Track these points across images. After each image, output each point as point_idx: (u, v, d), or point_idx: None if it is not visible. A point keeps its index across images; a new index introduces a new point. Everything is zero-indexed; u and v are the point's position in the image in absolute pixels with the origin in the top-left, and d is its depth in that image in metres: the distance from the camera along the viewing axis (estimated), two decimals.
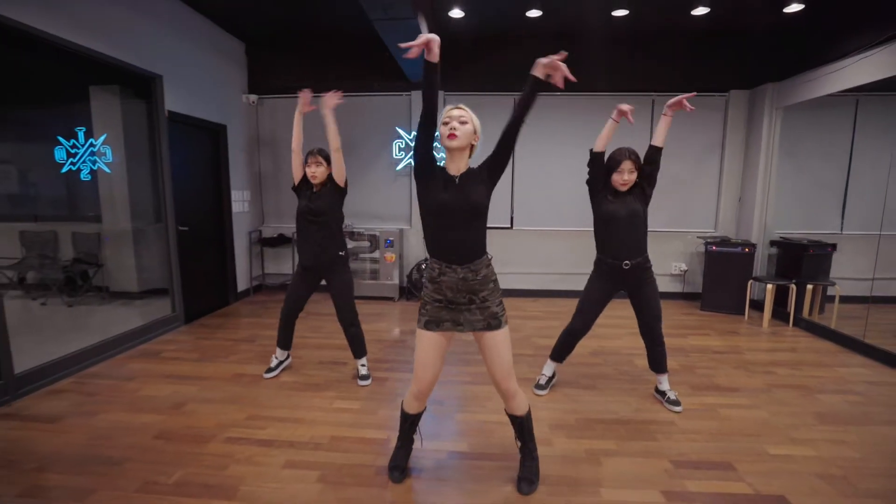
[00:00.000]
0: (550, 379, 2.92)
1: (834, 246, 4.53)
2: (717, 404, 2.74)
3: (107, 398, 2.74)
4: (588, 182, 2.63)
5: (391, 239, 5.19)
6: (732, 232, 5.19)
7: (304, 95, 2.83)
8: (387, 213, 5.53)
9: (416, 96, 5.19)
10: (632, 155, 2.47)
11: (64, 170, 5.24)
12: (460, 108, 1.76)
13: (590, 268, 2.75)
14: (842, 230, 4.97)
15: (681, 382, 3.03)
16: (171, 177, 3.99)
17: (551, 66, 1.68)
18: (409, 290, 5.34)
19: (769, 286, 4.38)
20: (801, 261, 4.46)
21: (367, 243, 5.25)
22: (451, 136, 1.70)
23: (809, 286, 4.30)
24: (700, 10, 3.58)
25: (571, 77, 1.68)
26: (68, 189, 5.55)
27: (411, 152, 5.23)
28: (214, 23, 4.65)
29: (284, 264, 5.65)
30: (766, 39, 4.65)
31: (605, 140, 2.54)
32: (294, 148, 2.92)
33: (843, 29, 3.79)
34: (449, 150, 1.74)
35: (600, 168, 2.56)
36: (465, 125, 1.72)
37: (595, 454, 2.22)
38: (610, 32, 4.73)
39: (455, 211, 1.70)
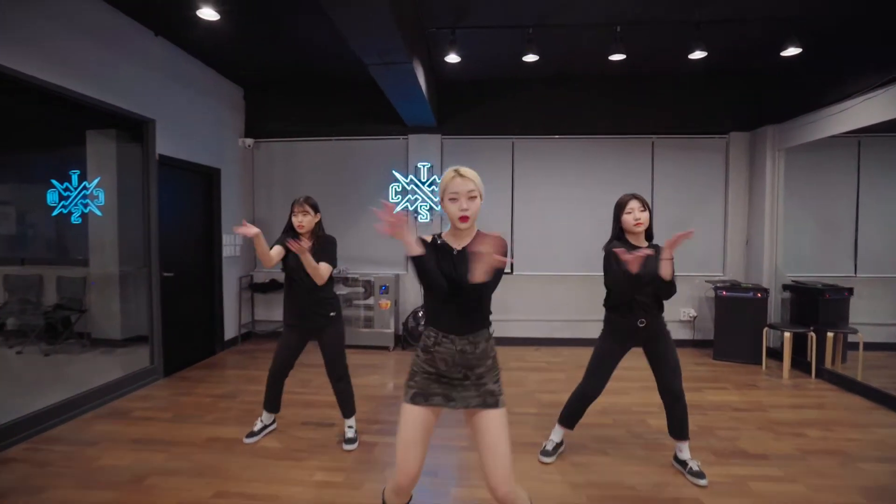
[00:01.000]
0: (558, 446, 2.63)
1: (850, 290, 4.30)
2: (747, 476, 2.43)
3: (59, 469, 2.45)
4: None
5: (386, 285, 4.99)
6: (741, 276, 4.99)
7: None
8: (382, 258, 5.35)
9: (413, 139, 5.16)
10: (637, 196, 2.32)
11: (55, 213, 5.13)
12: (466, 178, 1.56)
13: (593, 314, 2.54)
14: (856, 273, 4.77)
15: (702, 448, 2.73)
16: (157, 220, 3.86)
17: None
18: (405, 339, 5.07)
19: (787, 334, 4.12)
20: (818, 306, 4.22)
21: (361, 289, 5.04)
22: (464, 218, 1.56)
23: (830, 334, 4.04)
24: (697, 55, 3.55)
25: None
26: (58, 232, 5.43)
27: (409, 198, 5.13)
28: (213, 69, 4.69)
29: (276, 311, 5.42)
30: (765, 82, 4.65)
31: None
32: (262, 258, 2.55)
33: (844, 71, 3.76)
34: (458, 230, 1.61)
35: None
36: (475, 200, 1.57)
37: None
38: (607, 76, 4.75)
39: (456, 286, 1.55)
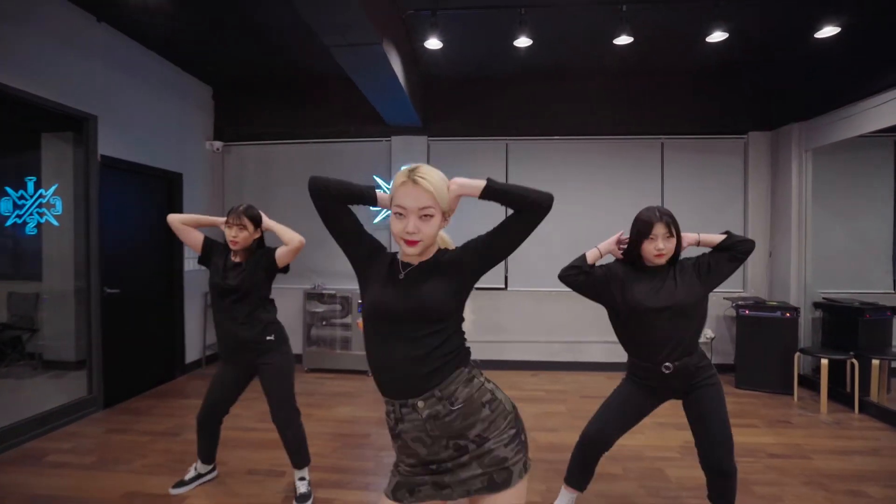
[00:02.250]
0: None
1: (893, 309, 3.75)
2: None
3: None
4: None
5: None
6: (765, 292, 4.45)
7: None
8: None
9: (396, 141, 4.70)
10: (664, 216, 1.76)
11: (8, 223, 4.69)
12: (420, 188, 1.09)
13: (597, 335, 2.03)
14: (895, 289, 4.22)
15: None
16: (98, 230, 3.39)
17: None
18: None
19: (823, 361, 3.56)
20: (857, 328, 3.66)
21: (338, 307, 4.53)
22: (411, 242, 1.11)
23: (876, 361, 3.47)
24: (717, 36, 3.06)
25: None
26: (12, 244, 4.99)
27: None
28: (174, 64, 4.26)
29: None
30: (789, 74, 4.16)
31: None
32: (170, 218, 2.22)
33: (882, 60, 3.27)
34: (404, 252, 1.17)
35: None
36: (430, 220, 1.11)
37: None
38: (610, 68, 4.28)
39: (397, 317, 1.11)
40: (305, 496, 2.23)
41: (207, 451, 2.35)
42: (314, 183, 1.17)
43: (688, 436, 2.98)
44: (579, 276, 1.88)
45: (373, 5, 2.54)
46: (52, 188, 4.50)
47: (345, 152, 4.83)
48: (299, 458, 2.27)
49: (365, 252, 1.24)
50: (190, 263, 4.46)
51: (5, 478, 2.45)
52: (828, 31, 3.01)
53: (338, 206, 1.19)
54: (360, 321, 4.43)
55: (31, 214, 4.67)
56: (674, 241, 1.77)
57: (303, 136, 4.83)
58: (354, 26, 2.48)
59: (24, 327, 4.56)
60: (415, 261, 1.18)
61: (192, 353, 4.49)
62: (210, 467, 2.43)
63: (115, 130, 3.54)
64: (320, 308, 4.53)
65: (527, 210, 1.09)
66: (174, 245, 4.31)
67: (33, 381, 4.18)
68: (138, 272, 3.90)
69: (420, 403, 1.07)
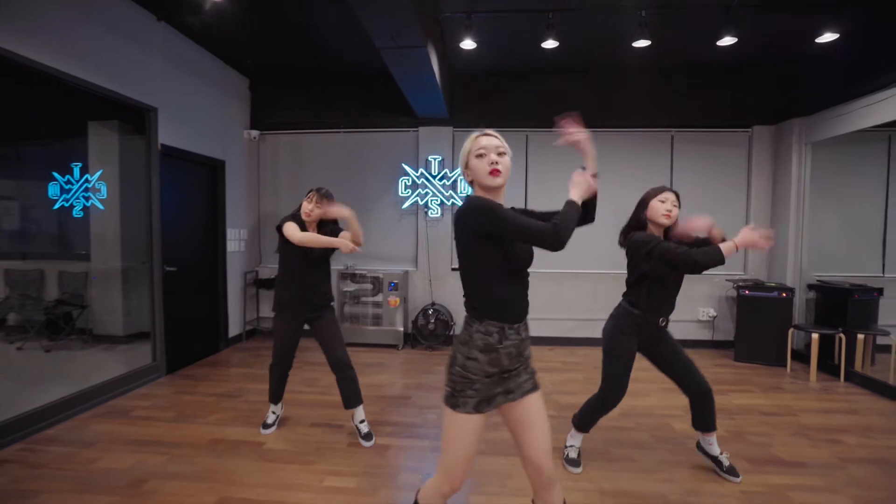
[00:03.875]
0: (580, 451, 2.48)
1: (880, 290, 4.12)
2: (785, 485, 2.27)
3: (55, 472, 2.31)
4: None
5: (395, 282, 4.84)
6: (764, 274, 4.81)
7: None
8: (391, 254, 5.21)
9: (424, 132, 5.00)
10: (668, 188, 2.22)
11: (56, 206, 5.02)
12: (493, 136, 1.49)
13: (608, 313, 2.38)
14: (883, 273, 4.59)
15: (734, 455, 2.55)
16: (159, 213, 3.72)
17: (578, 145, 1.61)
18: (414, 337, 4.92)
19: (814, 335, 3.94)
20: (846, 307, 4.04)
21: (369, 286, 4.90)
22: (495, 172, 1.44)
23: (861, 336, 3.86)
24: (726, 41, 3.37)
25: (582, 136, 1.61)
26: (60, 226, 5.32)
27: (418, 193, 4.98)
28: (218, 58, 4.55)
29: None
30: (792, 72, 4.46)
31: None
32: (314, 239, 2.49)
33: (879, 59, 3.58)
34: (490, 188, 1.48)
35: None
36: (505, 156, 1.48)
37: None
38: (626, 66, 4.57)
39: (526, 260, 1.52)
40: (370, 435, 2.66)
41: (278, 393, 2.81)
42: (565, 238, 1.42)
43: None
44: None
45: (422, 11, 2.84)
46: (98, 174, 4.83)
47: (373, 142, 5.13)
48: (355, 398, 2.66)
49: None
50: (232, 245, 4.81)
51: (104, 427, 2.84)
52: (827, 36, 3.31)
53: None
54: (392, 299, 4.80)
55: (77, 198, 5.00)
56: (677, 210, 2.16)
57: (334, 125, 5.14)
58: (406, 31, 2.78)
59: (74, 304, 4.92)
60: (499, 195, 1.50)
61: (234, 328, 4.86)
62: (280, 406, 2.89)
63: (169, 121, 3.83)
64: (352, 287, 4.90)
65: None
66: (218, 228, 4.65)
67: (89, 354, 4.55)
68: (187, 253, 4.24)
69: (521, 328, 1.49)
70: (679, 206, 2.19)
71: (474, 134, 1.51)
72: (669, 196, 2.17)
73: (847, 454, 2.60)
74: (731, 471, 2.30)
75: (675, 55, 4.31)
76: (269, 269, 5.27)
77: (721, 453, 2.36)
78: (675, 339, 2.32)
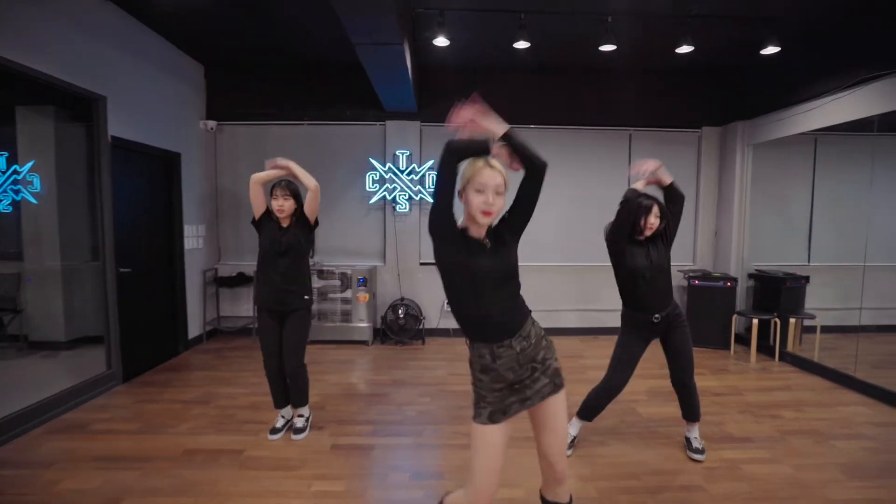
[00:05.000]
0: (574, 439, 2.63)
1: (807, 278, 4.61)
2: (738, 459, 2.53)
3: (12, 499, 2.14)
4: (612, 234, 2.41)
5: (364, 277, 4.80)
6: (710, 265, 5.22)
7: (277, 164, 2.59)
8: (359, 249, 5.15)
9: (391, 126, 4.95)
10: (658, 202, 2.38)
11: None
12: (496, 171, 1.43)
13: (574, 303, 2.57)
14: (809, 262, 5.11)
15: None
16: (112, 210, 3.46)
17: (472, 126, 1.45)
18: (384, 333, 4.92)
19: (754, 321, 4.36)
20: (780, 294, 4.49)
21: (337, 282, 4.82)
22: (487, 213, 1.42)
23: (793, 320, 4.31)
24: (684, 49, 3.59)
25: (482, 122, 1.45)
26: None
27: (383, 191, 4.93)
28: (171, 42, 4.24)
29: (243, 305, 5.08)
30: (738, 79, 4.82)
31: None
32: (259, 180, 2.60)
33: (814, 72, 3.95)
34: (477, 224, 1.45)
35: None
36: (501, 196, 1.43)
37: None
38: (590, 67, 4.75)
39: (495, 280, 1.44)
40: (302, 429, 2.73)
41: (279, 397, 2.76)
42: (454, 146, 1.41)
43: (652, 383, 3.68)
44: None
45: (399, 9, 2.80)
46: (28, 165, 4.40)
47: (339, 135, 5.01)
48: (303, 398, 2.77)
49: (453, 220, 1.46)
50: (189, 242, 4.56)
51: (61, 444, 2.65)
52: (770, 49, 3.60)
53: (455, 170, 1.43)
54: (361, 295, 4.76)
55: (4, 192, 4.53)
56: (659, 222, 2.35)
57: (297, 117, 4.96)
58: (383, 28, 2.74)
59: (5, 308, 4.49)
60: (479, 233, 1.47)
61: (194, 328, 4.63)
62: (290, 412, 2.83)
63: (118, 110, 3.54)
64: (320, 284, 4.80)
65: (532, 169, 1.47)
66: (174, 224, 4.38)
67: (27, 362, 4.19)
68: (142, 251, 3.97)
69: (513, 342, 1.46)
70: (662, 212, 2.37)
71: (479, 163, 1.44)
72: (654, 209, 2.34)
73: (785, 427, 2.93)
74: (697, 451, 2.54)
75: (635, 59, 4.52)
76: (230, 266, 5.05)
77: (695, 438, 2.59)
78: (687, 334, 2.47)
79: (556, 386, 1.50)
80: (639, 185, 2.46)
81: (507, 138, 1.43)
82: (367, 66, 3.39)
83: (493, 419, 1.44)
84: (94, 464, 2.43)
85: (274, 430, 2.74)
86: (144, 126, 3.86)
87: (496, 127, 1.43)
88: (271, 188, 2.60)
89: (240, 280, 4.93)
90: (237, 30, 4.00)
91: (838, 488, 2.26)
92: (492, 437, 1.44)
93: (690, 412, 2.55)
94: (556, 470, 1.53)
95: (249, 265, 4.98)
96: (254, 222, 2.66)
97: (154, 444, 2.65)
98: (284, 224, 2.61)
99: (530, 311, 1.55)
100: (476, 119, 1.43)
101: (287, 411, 2.82)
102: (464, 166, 1.45)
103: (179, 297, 4.44)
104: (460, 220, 1.50)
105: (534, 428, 1.56)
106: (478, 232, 1.47)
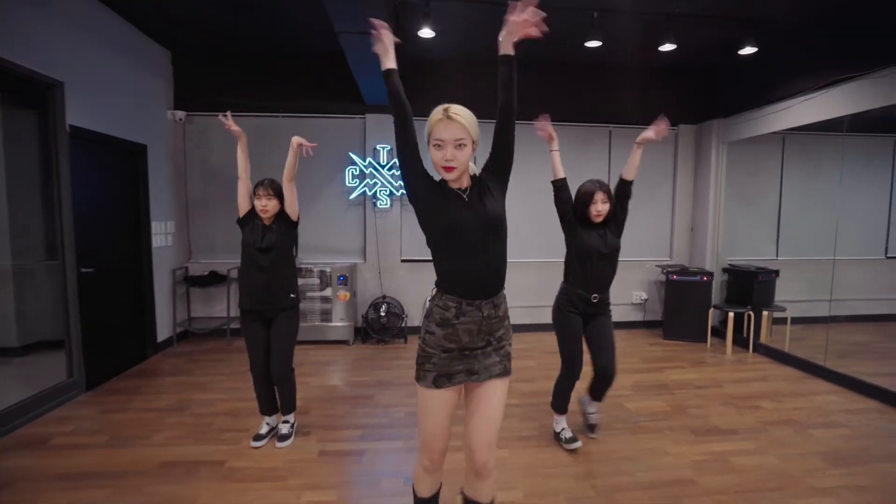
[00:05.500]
0: (563, 430, 2.65)
1: (777, 272, 4.79)
2: (726, 452, 2.58)
3: None
4: (561, 206, 2.54)
5: (344, 275, 4.66)
6: (686, 260, 5.35)
7: (226, 122, 2.53)
8: (339, 246, 5.00)
9: (372, 119, 4.81)
10: (603, 186, 2.46)
11: None
12: (454, 122, 1.36)
13: (552, 299, 2.60)
14: (777, 256, 5.32)
15: (681, 427, 2.87)
16: (70, 205, 3.20)
17: (520, 25, 1.35)
18: (365, 332, 4.80)
19: (730, 314, 4.49)
20: (752, 287, 4.64)
21: (316, 280, 4.66)
22: (448, 168, 1.38)
23: (766, 312, 4.47)
24: (667, 47, 3.63)
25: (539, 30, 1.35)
26: None
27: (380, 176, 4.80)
28: (134, 25, 3.95)
29: (216, 306, 4.85)
30: (714, 78, 4.93)
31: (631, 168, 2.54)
32: (240, 175, 2.52)
33: (787, 73, 4.07)
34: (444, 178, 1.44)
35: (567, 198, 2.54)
36: (464, 148, 1.37)
37: None
38: (572, 63, 4.75)
39: (474, 231, 1.39)
40: (287, 436, 2.62)
41: (271, 403, 2.64)
42: (393, 87, 1.44)
43: (637, 377, 3.73)
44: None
45: None
46: None
47: (318, 127, 4.83)
48: (291, 405, 2.66)
49: (426, 177, 1.45)
50: (158, 240, 4.30)
51: (16, 462, 2.42)
52: (748, 49, 3.69)
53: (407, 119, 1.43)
54: (341, 293, 4.62)
55: None
56: (608, 205, 2.43)
57: (272, 108, 4.74)
58: (370, 16, 2.61)
59: None
60: (459, 185, 1.44)
61: (163, 331, 4.38)
62: (275, 419, 2.71)
63: (77, 98, 3.27)
64: (299, 282, 4.61)
65: (507, 105, 1.44)
66: (141, 221, 4.11)
67: None
68: (105, 249, 3.71)
69: (483, 304, 1.41)
70: (611, 198, 2.46)
71: (437, 112, 1.39)
72: (599, 197, 2.41)
73: (766, 418, 3.02)
74: (591, 429, 2.70)
75: (615, 57, 4.55)
76: (201, 265, 4.80)
77: (592, 413, 2.73)
78: (610, 323, 2.54)
79: (505, 370, 1.49)
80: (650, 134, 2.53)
81: (507, 59, 1.40)
82: (349, 55, 3.26)
83: (437, 383, 1.43)
84: (58, 483, 2.24)
85: (258, 437, 2.61)
86: (106, 115, 3.59)
87: (510, 47, 1.38)
88: (254, 187, 2.49)
89: (212, 279, 4.69)
90: (206, 13, 3.76)
91: (821, 476, 2.34)
92: (436, 400, 1.44)
93: (599, 394, 2.64)
94: (476, 459, 1.46)
95: (222, 263, 4.75)
96: (238, 220, 2.54)
97: (125, 458, 2.47)
98: (267, 223, 2.52)
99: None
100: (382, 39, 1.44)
101: (273, 419, 2.70)
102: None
103: (147, 297, 4.18)
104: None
105: (466, 410, 1.52)
106: (457, 184, 1.44)
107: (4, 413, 2.73)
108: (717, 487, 2.24)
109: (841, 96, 3.59)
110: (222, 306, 4.79)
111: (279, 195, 2.51)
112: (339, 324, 4.69)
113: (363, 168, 4.82)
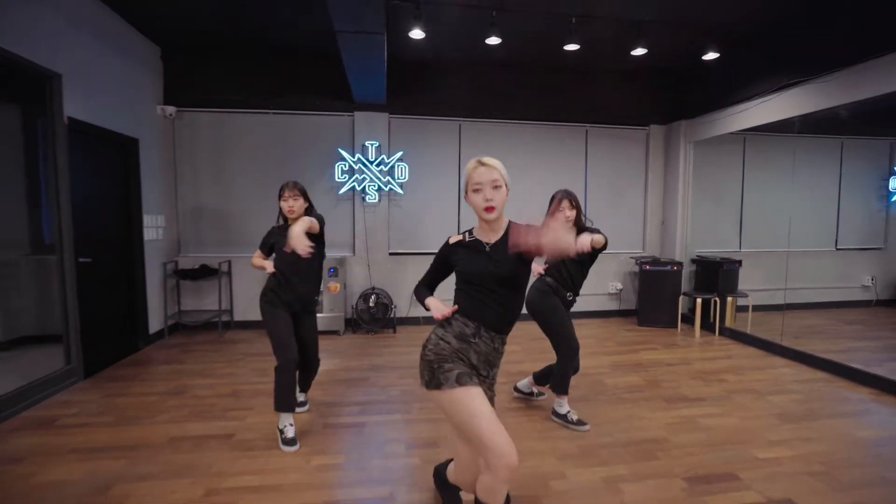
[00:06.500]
0: (568, 412, 2.78)
1: (740, 262, 5.18)
2: (694, 415, 2.86)
3: None
4: None
5: (334, 268, 4.80)
6: (658, 252, 5.71)
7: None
8: (329, 240, 5.05)
9: (360, 117, 4.98)
10: (569, 195, 2.65)
11: None
12: (489, 167, 1.53)
13: None
14: (740, 248, 5.74)
15: (655, 397, 3.14)
16: (69, 197, 3.25)
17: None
18: (355, 322, 4.95)
19: (698, 300, 4.84)
20: (718, 276, 5.02)
21: None
22: (489, 209, 1.52)
23: (730, 299, 4.84)
24: (638, 51, 3.95)
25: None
26: None
27: (356, 178, 4.96)
28: (124, 19, 4.00)
29: (206, 299, 4.90)
30: (681, 81, 5.31)
31: None
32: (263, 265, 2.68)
33: (746, 76, 4.45)
34: (484, 220, 1.58)
35: None
36: (499, 189, 1.53)
37: (612, 482, 2.14)
38: (551, 66, 5.04)
39: (489, 280, 1.54)
40: (303, 403, 2.87)
41: (290, 399, 2.49)
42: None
43: (614, 358, 4.00)
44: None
45: None
46: None
47: (307, 125, 4.97)
48: (310, 383, 2.88)
49: (449, 258, 1.67)
50: (150, 233, 4.34)
51: (27, 440, 2.49)
52: (711, 55, 4.04)
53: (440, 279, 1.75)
54: (332, 285, 4.75)
55: None
56: (574, 211, 2.64)
57: (261, 105, 4.85)
58: (369, 17, 2.80)
59: None
60: (488, 238, 1.58)
61: (154, 323, 4.42)
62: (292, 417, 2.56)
63: (73, 90, 3.32)
64: None
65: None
66: (132, 214, 4.16)
67: None
68: (98, 242, 3.75)
69: (495, 338, 1.58)
70: (575, 205, 2.64)
71: (472, 163, 1.55)
72: (565, 204, 2.61)
73: (730, 388, 3.33)
74: (580, 423, 2.70)
75: (591, 60, 4.87)
76: (190, 258, 4.85)
77: (569, 411, 2.75)
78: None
79: (492, 400, 1.60)
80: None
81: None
82: (345, 54, 3.43)
83: (461, 381, 1.46)
84: (72, 456, 2.32)
85: (291, 442, 2.41)
86: (100, 108, 3.64)
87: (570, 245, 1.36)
88: (280, 190, 2.55)
89: (203, 272, 4.75)
90: (196, 9, 3.83)
91: (776, 431, 2.64)
92: (470, 394, 1.45)
93: (565, 384, 2.76)
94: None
95: (213, 257, 4.82)
96: (264, 240, 2.68)
97: (134, 434, 2.57)
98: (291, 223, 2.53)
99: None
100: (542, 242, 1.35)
101: (291, 417, 2.51)
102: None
103: (140, 290, 4.22)
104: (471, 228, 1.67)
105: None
106: (487, 235, 1.59)
107: (5, 398, 2.77)
108: (686, 443, 2.51)
109: (790, 100, 3.97)
110: (213, 299, 4.85)
111: (304, 195, 2.59)
112: (330, 314, 4.82)
113: (352, 164, 4.98)
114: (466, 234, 1.65)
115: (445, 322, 1.58)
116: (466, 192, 1.56)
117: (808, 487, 2.09)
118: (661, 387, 3.36)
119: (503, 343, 1.62)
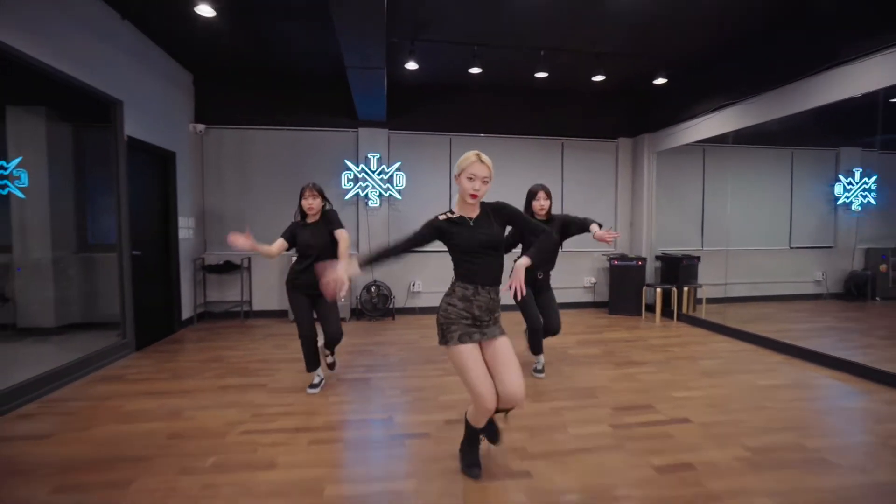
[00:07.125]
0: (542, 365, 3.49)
1: (699, 258, 5.89)
2: (634, 373, 3.56)
3: (89, 416, 2.70)
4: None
5: None
6: (627, 250, 6.42)
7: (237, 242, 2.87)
8: None
9: (363, 132, 5.72)
10: (544, 188, 3.30)
11: None
12: (485, 165, 1.88)
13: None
14: (702, 246, 6.45)
15: (607, 361, 3.84)
16: (128, 202, 3.98)
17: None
18: (360, 311, 5.64)
19: (658, 290, 5.55)
20: (678, 270, 5.73)
21: None
22: (474, 196, 1.90)
23: (686, 288, 5.54)
24: (598, 77, 4.72)
25: None
26: None
27: (360, 185, 5.68)
28: (165, 51, 4.77)
29: (228, 292, 5.60)
30: (643, 100, 6.08)
31: None
32: (271, 252, 3.02)
33: (689, 99, 5.22)
34: (465, 203, 1.96)
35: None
36: (487, 184, 1.89)
37: (558, 410, 2.83)
38: (530, 88, 5.81)
39: (477, 246, 1.93)
40: (335, 364, 3.40)
41: (314, 359, 3.16)
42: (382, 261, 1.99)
43: (580, 337, 4.69)
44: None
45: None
46: (15, 161, 4.76)
47: (316, 139, 5.71)
48: (334, 348, 3.38)
49: (438, 235, 1.96)
50: (184, 233, 5.06)
51: (108, 388, 3.18)
52: (660, 80, 4.81)
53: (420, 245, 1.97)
54: None
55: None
56: (549, 201, 3.29)
57: (279, 122, 5.61)
58: (374, 56, 3.55)
59: None
60: (470, 213, 1.97)
61: (186, 311, 5.12)
62: (321, 371, 3.24)
63: (129, 112, 4.05)
64: None
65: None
66: (170, 216, 4.88)
67: (21, 346, 4.48)
68: (144, 241, 4.46)
69: (491, 290, 1.95)
70: (549, 197, 3.30)
71: (472, 155, 1.89)
72: (541, 195, 3.27)
73: (672, 356, 4.02)
74: (541, 371, 3.44)
75: (565, 83, 5.64)
76: (215, 255, 5.56)
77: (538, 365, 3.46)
78: (553, 293, 3.41)
79: (503, 332, 2.00)
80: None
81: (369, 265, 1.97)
82: (353, 84, 4.18)
83: (461, 340, 1.88)
84: (143, 396, 3.02)
85: (314, 385, 3.12)
86: (147, 127, 4.38)
87: (354, 269, 1.91)
88: (301, 189, 3.08)
89: (226, 268, 5.46)
90: (223, 41, 4.57)
91: (695, 381, 3.34)
92: (467, 353, 1.87)
93: (538, 348, 3.42)
94: (515, 399, 1.91)
95: (237, 255, 5.53)
96: (287, 232, 3.08)
97: (188, 384, 3.26)
98: (311, 221, 3.06)
99: None
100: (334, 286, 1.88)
101: (319, 370, 3.19)
102: (460, 158, 1.95)
103: (175, 281, 4.93)
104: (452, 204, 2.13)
105: (489, 364, 1.93)
106: (468, 211, 1.97)
107: (74, 364, 3.41)
108: (622, 388, 3.20)
109: (728, 117, 4.73)
110: (235, 291, 5.56)
111: (322, 194, 3.10)
112: (338, 304, 5.51)
113: (356, 173, 5.71)
114: (449, 212, 1.99)
115: (451, 290, 1.97)
116: (459, 175, 1.90)
117: (703, 412, 2.78)
118: (615, 355, 4.05)
119: (497, 293, 1.98)
